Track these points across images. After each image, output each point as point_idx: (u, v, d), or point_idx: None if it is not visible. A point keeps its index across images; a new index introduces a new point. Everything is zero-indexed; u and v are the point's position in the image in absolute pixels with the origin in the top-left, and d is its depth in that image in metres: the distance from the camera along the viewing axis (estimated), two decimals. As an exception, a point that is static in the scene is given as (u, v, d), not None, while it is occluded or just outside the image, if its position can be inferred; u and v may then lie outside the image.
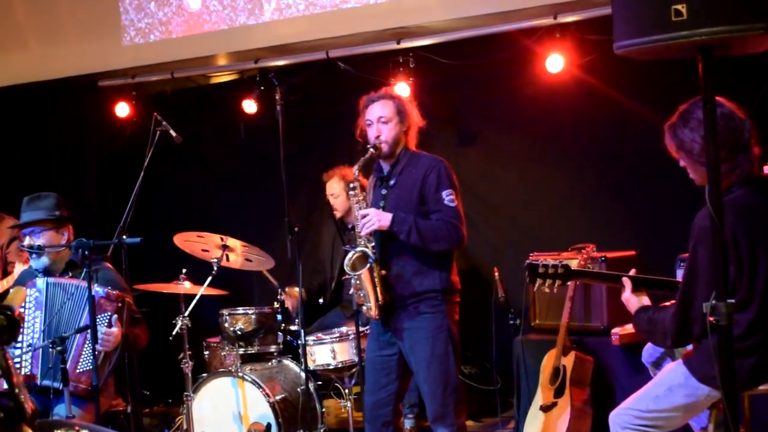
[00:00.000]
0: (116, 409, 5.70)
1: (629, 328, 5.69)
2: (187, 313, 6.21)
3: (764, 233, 4.03)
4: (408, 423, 6.74)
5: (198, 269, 6.55)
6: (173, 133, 6.76)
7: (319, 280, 7.42)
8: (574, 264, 5.18)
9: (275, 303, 6.87)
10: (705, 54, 3.19)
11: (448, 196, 5.08)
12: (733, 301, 3.23)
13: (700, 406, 4.29)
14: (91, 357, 5.13)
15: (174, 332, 6.21)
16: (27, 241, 5.55)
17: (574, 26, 6.92)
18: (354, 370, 6.26)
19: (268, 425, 6.25)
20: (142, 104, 8.42)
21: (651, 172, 7.01)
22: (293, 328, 6.82)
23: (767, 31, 3.04)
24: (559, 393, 5.90)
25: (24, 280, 5.73)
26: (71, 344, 5.22)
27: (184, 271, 6.41)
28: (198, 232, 6.49)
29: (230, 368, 6.49)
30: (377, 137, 5.19)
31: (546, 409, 5.92)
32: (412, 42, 7.39)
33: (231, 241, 6.43)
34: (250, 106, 8.21)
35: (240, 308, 6.74)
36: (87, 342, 5.22)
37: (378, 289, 5.07)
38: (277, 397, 6.31)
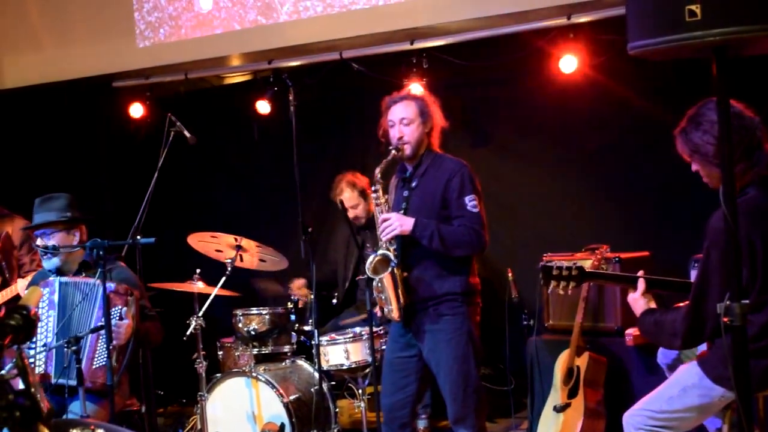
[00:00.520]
0: (131, 409, 5.71)
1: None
2: (201, 314, 6.23)
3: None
4: (421, 423, 6.75)
5: (212, 270, 6.56)
6: (187, 134, 6.78)
7: (328, 277, 7.41)
8: (587, 265, 5.18)
9: (289, 303, 6.87)
10: (719, 54, 3.18)
11: (471, 202, 5.07)
12: (747, 301, 3.22)
13: (714, 407, 4.28)
14: (106, 352, 5.17)
15: (188, 332, 6.22)
16: (39, 242, 5.58)
17: (587, 27, 6.91)
18: (368, 370, 6.26)
19: (282, 425, 6.25)
20: (156, 105, 8.44)
21: (665, 172, 6.99)
22: (307, 328, 6.82)
23: (782, 31, 3.03)
24: (572, 394, 5.89)
25: (37, 280, 5.75)
26: (85, 342, 5.24)
27: (198, 271, 6.43)
28: (212, 232, 6.50)
29: (244, 368, 6.51)
30: (399, 139, 5.17)
31: (560, 409, 5.91)
32: (426, 42, 7.39)
33: (245, 242, 6.44)
34: (263, 106, 8.22)
35: (254, 308, 6.76)
36: (101, 338, 5.24)
37: (399, 292, 5.08)
38: (291, 398, 6.32)
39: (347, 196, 7.02)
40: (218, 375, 6.58)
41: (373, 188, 5.25)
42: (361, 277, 6.93)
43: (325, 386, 6.37)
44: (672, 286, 4.54)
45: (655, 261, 6.30)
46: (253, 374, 6.38)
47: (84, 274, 5.56)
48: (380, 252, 5.10)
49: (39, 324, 5.27)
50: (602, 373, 6.00)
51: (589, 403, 5.84)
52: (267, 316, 6.68)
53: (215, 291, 6.29)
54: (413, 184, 5.24)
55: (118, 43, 8.27)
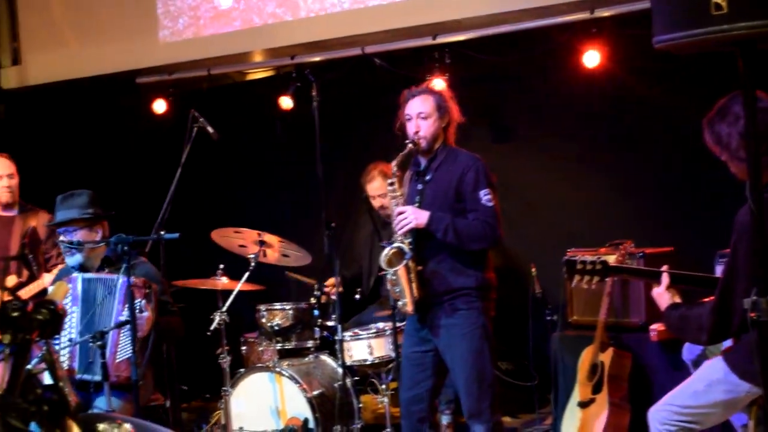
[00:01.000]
0: (155, 404, 5.73)
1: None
2: (224, 309, 6.24)
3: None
4: (445, 419, 6.74)
5: (235, 265, 6.57)
6: (210, 130, 6.79)
7: (352, 272, 7.43)
8: (611, 260, 5.16)
9: (312, 299, 6.87)
10: (745, 48, 3.16)
11: (485, 196, 5.07)
12: (774, 296, 3.20)
13: (740, 403, 4.26)
14: (129, 346, 5.18)
15: (212, 327, 6.23)
16: (62, 238, 5.60)
17: (610, 21, 6.88)
18: (391, 365, 6.26)
19: (305, 420, 6.26)
20: (179, 101, 8.46)
21: (689, 167, 6.97)
22: (330, 323, 6.83)
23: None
24: (597, 389, 5.88)
25: (61, 277, 5.78)
26: (109, 337, 5.25)
27: (221, 266, 6.44)
28: (235, 227, 6.51)
29: (268, 363, 6.52)
30: (416, 132, 5.17)
31: (584, 405, 5.90)
32: (448, 37, 7.37)
33: (268, 237, 6.45)
34: (286, 102, 8.22)
35: (277, 304, 6.76)
36: (123, 331, 5.26)
37: (414, 285, 5.08)
38: (314, 393, 6.32)
39: (376, 185, 7.02)
40: (242, 370, 6.58)
41: (389, 181, 5.26)
42: (383, 272, 6.92)
43: (348, 381, 6.37)
44: (696, 281, 4.52)
45: (680, 256, 6.27)
46: (277, 369, 6.39)
47: (107, 270, 5.58)
48: (395, 244, 5.11)
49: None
50: (626, 369, 5.98)
51: (614, 398, 5.82)
52: (290, 312, 6.68)
53: (239, 286, 6.30)
54: (427, 178, 5.25)
55: (141, 39, 8.31)
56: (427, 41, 7.42)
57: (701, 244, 6.38)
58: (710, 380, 4.24)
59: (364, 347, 6.28)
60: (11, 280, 6.41)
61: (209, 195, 9.01)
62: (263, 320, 6.68)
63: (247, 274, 6.35)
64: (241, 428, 6.44)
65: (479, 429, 5.14)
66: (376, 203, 7.02)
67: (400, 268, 5.07)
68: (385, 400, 6.35)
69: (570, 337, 6.41)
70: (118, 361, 5.26)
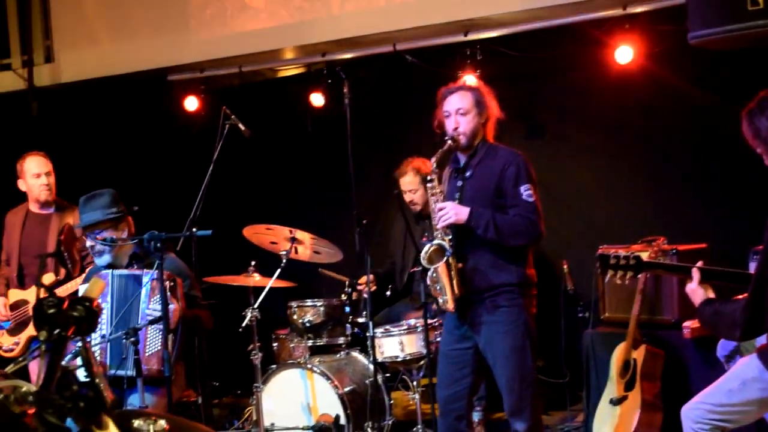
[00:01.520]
0: (187, 400, 5.76)
1: (701, 321, 5.61)
2: (256, 306, 6.25)
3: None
4: (476, 415, 6.71)
5: (267, 262, 6.59)
6: (242, 127, 6.81)
7: (385, 268, 7.44)
8: (644, 257, 5.13)
9: (343, 295, 6.88)
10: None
11: (526, 191, 5.05)
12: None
13: (776, 401, 4.23)
14: (158, 339, 5.23)
15: (243, 324, 6.25)
16: (88, 242, 5.63)
17: (643, 17, 6.85)
18: (422, 362, 6.25)
19: (337, 417, 6.27)
20: (211, 98, 8.49)
21: (723, 163, 6.93)
22: (361, 320, 6.84)
23: None
24: (629, 386, 5.85)
25: (92, 274, 5.80)
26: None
27: (253, 263, 6.46)
28: (267, 224, 6.53)
29: (299, 360, 6.54)
30: (455, 129, 5.15)
31: (616, 402, 5.88)
32: (480, 34, 7.36)
33: (300, 234, 6.45)
34: (317, 99, 8.24)
35: (308, 300, 6.78)
36: (151, 327, 5.28)
37: (454, 282, 5.05)
38: (346, 389, 6.33)
39: (408, 180, 7.02)
40: (273, 366, 6.61)
41: (428, 177, 5.24)
42: (416, 268, 6.93)
43: (379, 378, 6.38)
44: (729, 277, 4.48)
45: (713, 253, 6.23)
46: (308, 366, 6.41)
47: (135, 266, 5.60)
48: (435, 241, 5.09)
49: (95, 316, 5.32)
50: (659, 366, 5.95)
51: (646, 396, 5.79)
52: (322, 308, 6.70)
53: (270, 283, 6.31)
54: (467, 174, 5.22)
55: (173, 36, 8.34)
56: (459, 38, 7.41)
57: (735, 241, 6.34)
58: (745, 378, 4.21)
59: (395, 344, 6.28)
60: (49, 278, 6.45)
61: (241, 192, 9.03)
62: (294, 317, 6.70)
63: (278, 271, 6.36)
64: (272, 424, 6.45)
65: (520, 427, 5.11)
66: (407, 198, 7.02)
67: (441, 265, 5.05)
68: (416, 396, 6.35)
69: (602, 334, 6.38)
70: (147, 354, 5.28)
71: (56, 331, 2.29)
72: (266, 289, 6.31)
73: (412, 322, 6.40)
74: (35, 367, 6.00)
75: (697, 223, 7.10)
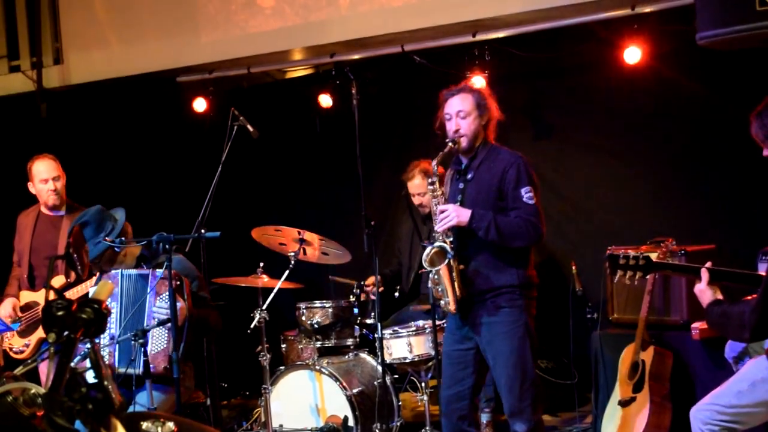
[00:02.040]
0: (196, 401, 5.76)
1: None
2: (264, 307, 6.25)
3: None
4: (485, 417, 6.73)
5: (275, 263, 6.59)
6: (250, 128, 6.81)
7: (392, 269, 7.44)
8: (653, 257, 5.12)
9: (351, 297, 6.89)
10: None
11: (527, 194, 5.05)
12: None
13: (785, 402, 4.22)
14: (163, 338, 5.25)
15: (252, 325, 6.25)
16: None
17: (651, 17, 6.84)
18: (430, 363, 6.25)
19: (345, 418, 6.27)
20: (219, 99, 8.50)
21: (731, 164, 6.92)
22: (369, 321, 6.84)
23: None
24: (638, 388, 5.85)
25: (101, 276, 5.79)
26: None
27: (261, 264, 6.46)
28: (275, 226, 6.53)
29: (307, 361, 6.54)
30: (456, 131, 5.16)
31: (624, 404, 5.87)
32: (488, 34, 7.36)
33: (308, 235, 6.45)
34: (325, 100, 8.25)
35: (317, 302, 6.78)
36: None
37: (456, 284, 5.06)
38: (354, 391, 6.33)
39: (417, 183, 7.02)
40: (282, 368, 6.61)
41: (429, 180, 5.25)
42: (424, 270, 6.93)
43: (388, 379, 6.38)
44: (737, 278, 4.47)
45: (722, 254, 6.22)
46: (317, 367, 6.41)
47: (143, 267, 5.61)
48: (437, 244, 5.10)
49: (104, 317, 5.32)
50: (668, 368, 5.94)
51: (655, 397, 5.78)
52: (330, 310, 6.70)
53: (279, 284, 6.31)
54: (469, 176, 5.22)
55: (182, 38, 8.35)
56: (467, 39, 7.41)
57: (743, 242, 6.34)
58: (754, 380, 4.20)
59: (403, 345, 6.28)
60: (59, 281, 6.46)
61: (249, 193, 9.05)
62: (303, 318, 6.70)
63: (287, 272, 6.36)
64: (280, 426, 6.46)
65: (520, 427, 5.11)
66: (416, 201, 7.03)
67: (442, 267, 5.06)
68: (425, 398, 6.35)
69: (610, 335, 6.37)
70: (153, 353, 5.28)
71: (65, 334, 2.30)
72: (275, 291, 6.32)
73: (421, 323, 6.40)
74: (45, 369, 6.05)
75: (705, 225, 7.09)
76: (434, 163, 5.17)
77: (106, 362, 5.31)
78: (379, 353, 6.27)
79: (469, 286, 5.10)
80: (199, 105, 8.63)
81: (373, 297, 6.82)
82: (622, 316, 6.40)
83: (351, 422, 6.27)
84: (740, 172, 6.82)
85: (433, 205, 5.21)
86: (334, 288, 7.79)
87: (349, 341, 6.79)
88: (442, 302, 5.16)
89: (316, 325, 6.64)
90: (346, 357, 6.72)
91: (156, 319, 5.29)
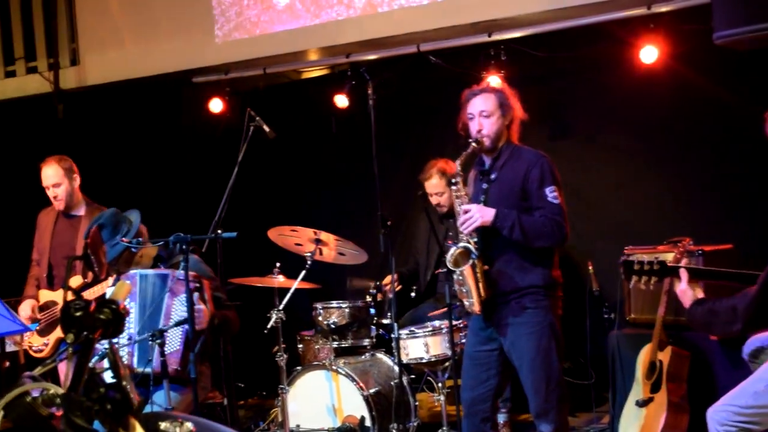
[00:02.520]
0: (213, 401, 5.77)
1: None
2: (281, 307, 6.26)
3: None
4: (501, 417, 6.71)
5: (291, 263, 6.60)
6: (266, 128, 6.82)
7: (409, 269, 7.44)
8: (669, 258, 5.11)
9: (368, 297, 6.89)
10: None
11: (551, 193, 5.03)
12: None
13: (802, 403, 4.20)
14: (178, 339, 5.25)
15: (268, 326, 6.26)
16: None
17: (668, 16, 6.83)
18: (447, 364, 6.24)
19: (362, 418, 6.27)
20: (235, 100, 8.52)
21: (749, 163, 6.89)
22: (386, 321, 6.84)
23: None
24: (655, 388, 5.83)
25: (119, 277, 5.80)
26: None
27: (277, 265, 6.47)
28: (292, 226, 6.53)
29: (324, 361, 6.54)
30: (479, 131, 5.13)
31: (642, 404, 5.85)
32: (504, 34, 7.36)
33: (324, 235, 6.45)
34: (341, 100, 8.25)
35: (334, 302, 6.78)
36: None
37: (480, 285, 5.03)
38: (371, 391, 6.33)
39: (434, 182, 7.01)
40: (298, 368, 6.61)
41: (453, 180, 5.21)
42: (440, 270, 6.93)
43: (404, 380, 6.37)
44: (719, 276, 4.48)
45: (739, 253, 6.20)
46: (333, 367, 6.41)
47: (161, 267, 5.61)
48: (461, 244, 5.08)
49: (123, 317, 5.32)
50: (685, 368, 5.92)
51: (673, 397, 5.77)
52: (347, 310, 6.70)
53: (295, 284, 6.32)
54: (492, 177, 5.19)
55: (198, 39, 8.37)
56: (483, 38, 7.40)
57: (761, 242, 6.31)
58: (771, 380, 4.19)
59: (420, 345, 6.27)
60: (76, 281, 6.48)
61: (266, 193, 9.05)
62: (320, 318, 6.70)
63: (303, 273, 6.37)
64: (297, 426, 6.47)
65: (546, 428, 5.09)
66: (433, 200, 7.02)
67: (467, 268, 5.04)
68: (442, 398, 6.34)
69: (628, 335, 6.35)
70: (167, 353, 5.27)
71: (83, 334, 2.30)
72: (291, 291, 6.32)
73: (437, 323, 6.40)
74: (65, 369, 6.07)
75: (723, 224, 7.07)
76: (457, 163, 5.14)
77: (126, 362, 5.33)
78: (395, 353, 6.27)
79: (494, 287, 5.07)
80: (216, 106, 8.64)
81: (390, 296, 6.81)
82: (640, 316, 6.38)
83: (368, 422, 6.27)
84: (758, 171, 6.79)
85: (457, 205, 5.18)
86: (351, 289, 7.78)
87: (366, 341, 6.79)
88: (467, 303, 5.13)
89: (332, 326, 6.64)
90: (363, 357, 6.72)
91: (173, 320, 5.29)
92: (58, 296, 6.64)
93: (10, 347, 6.64)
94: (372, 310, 6.81)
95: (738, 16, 3.06)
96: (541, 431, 5.13)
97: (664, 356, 5.83)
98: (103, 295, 6.16)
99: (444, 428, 6.23)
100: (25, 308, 6.56)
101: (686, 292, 4.29)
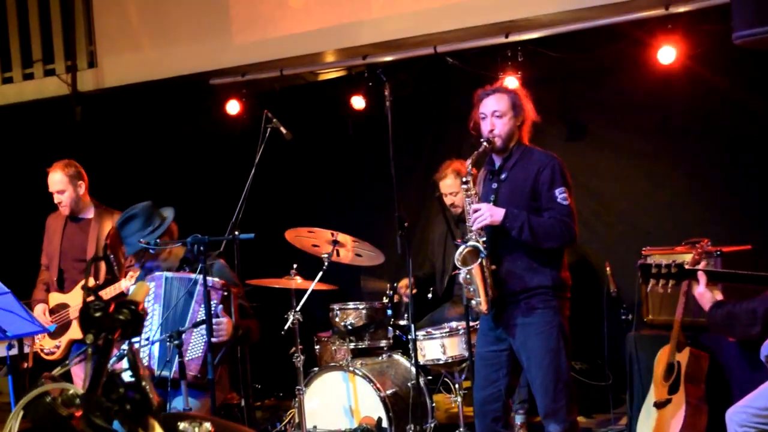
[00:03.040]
0: (230, 402, 5.77)
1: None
2: (298, 308, 6.27)
3: None
4: (518, 419, 6.71)
5: (309, 264, 6.60)
6: (283, 130, 6.82)
7: (426, 272, 7.43)
8: (687, 259, 5.09)
9: (385, 298, 6.88)
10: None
11: (561, 194, 5.03)
12: None
13: (822, 405, 4.19)
14: (200, 346, 5.22)
15: (285, 327, 6.27)
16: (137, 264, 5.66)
17: (686, 17, 6.81)
18: (464, 365, 6.25)
19: (379, 419, 6.27)
20: (252, 102, 8.53)
21: (766, 164, 6.86)
22: (403, 323, 6.84)
23: None
24: (673, 389, 5.80)
25: (143, 276, 5.80)
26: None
27: (294, 266, 6.47)
28: (308, 227, 6.54)
29: (341, 363, 6.55)
30: (491, 131, 5.13)
31: (660, 405, 5.83)
32: (521, 35, 7.35)
33: (341, 237, 6.46)
34: (358, 102, 8.26)
35: (350, 303, 6.79)
36: (196, 332, 5.28)
37: (488, 284, 5.04)
38: (388, 392, 6.33)
39: (448, 182, 7.00)
40: (315, 369, 6.62)
41: (463, 179, 5.22)
42: (457, 271, 6.92)
43: (421, 381, 6.37)
44: (736, 278, 4.46)
45: (758, 254, 6.17)
46: (350, 368, 6.42)
47: (187, 270, 5.61)
48: (470, 243, 5.08)
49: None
50: (703, 369, 5.90)
51: (691, 399, 5.74)
52: (364, 311, 6.71)
53: (312, 286, 6.32)
54: (502, 177, 5.20)
55: (215, 41, 8.39)
56: (500, 39, 7.40)
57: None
58: (791, 382, 4.18)
59: (437, 346, 6.28)
60: (91, 282, 6.51)
61: (283, 195, 9.06)
62: (337, 319, 6.71)
63: (320, 274, 6.37)
64: (314, 427, 6.47)
65: (554, 428, 5.09)
66: (447, 200, 7.01)
67: (475, 267, 5.04)
68: (458, 399, 6.35)
69: (645, 336, 6.33)
70: (188, 359, 5.26)
71: (103, 335, 2.31)
72: (308, 292, 6.32)
73: (454, 324, 6.40)
74: (78, 371, 6.08)
75: (741, 225, 7.04)
76: (468, 162, 5.15)
77: (145, 364, 5.33)
78: (412, 354, 6.27)
79: (502, 287, 5.08)
80: (232, 107, 8.66)
81: (406, 299, 6.81)
82: (657, 317, 6.35)
83: (385, 423, 6.27)
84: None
85: (467, 204, 5.18)
86: (365, 291, 7.78)
87: (383, 342, 6.80)
88: (474, 302, 5.13)
89: (349, 327, 6.65)
90: (380, 358, 6.72)
91: (189, 321, 5.28)
92: (68, 299, 6.66)
93: (14, 350, 6.66)
94: (389, 312, 6.81)
95: (758, 16, 3.04)
96: (550, 431, 5.13)
97: (682, 357, 5.81)
98: (120, 294, 6.19)
99: (461, 429, 6.24)
100: (37, 312, 6.58)
101: (704, 294, 4.29)
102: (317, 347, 7.10)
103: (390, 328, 6.81)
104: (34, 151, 8.86)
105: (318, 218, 7.46)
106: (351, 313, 6.70)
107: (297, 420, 6.42)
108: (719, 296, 4.28)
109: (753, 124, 6.91)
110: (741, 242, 6.31)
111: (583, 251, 7.58)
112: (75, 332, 6.59)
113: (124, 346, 2.28)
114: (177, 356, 5.07)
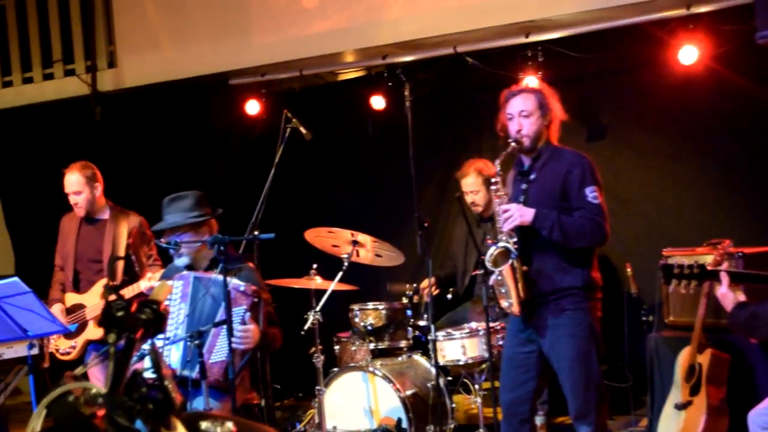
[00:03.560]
0: (251, 403, 5.77)
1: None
2: (318, 309, 6.27)
3: None
4: (539, 419, 6.68)
5: (328, 265, 6.60)
6: (303, 130, 6.83)
7: (446, 272, 7.42)
8: (709, 260, 5.06)
9: (405, 299, 6.88)
10: None
11: (591, 193, 4.99)
12: None
13: None
14: (225, 349, 5.16)
15: (305, 327, 6.27)
16: (162, 240, 5.59)
17: (707, 17, 6.78)
18: (484, 366, 6.23)
19: (399, 420, 6.27)
20: (272, 102, 8.53)
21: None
22: (423, 323, 6.83)
23: None
24: (694, 391, 5.77)
25: (170, 274, 5.77)
26: (206, 337, 5.23)
27: (314, 266, 6.47)
28: (328, 227, 6.54)
29: (361, 363, 6.55)
30: (518, 131, 5.10)
31: (681, 407, 5.80)
32: (541, 36, 7.33)
33: (361, 237, 6.46)
34: (378, 102, 8.26)
35: (370, 303, 6.78)
36: (221, 334, 5.25)
37: (519, 285, 5.00)
38: (408, 393, 6.33)
39: (470, 180, 6.99)
40: (335, 369, 6.62)
41: (492, 180, 5.19)
42: (477, 271, 6.91)
43: (441, 382, 6.36)
44: (759, 279, 4.43)
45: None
46: (370, 369, 6.41)
47: (216, 271, 5.57)
48: (501, 244, 5.04)
49: (170, 317, 5.31)
50: (725, 371, 5.86)
51: (712, 401, 5.71)
52: (383, 312, 6.70)
53: (332, 286, 6.32)
54: (532, 177, 5.16)
55: (235, 41, 8.40)
56: (520, 39, 7.38)
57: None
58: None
59: (457, 347, 6.27)
60: (101, 285, 6.54)
61: (302, 195, 9.07)
62: (356, 320, 6.71)
63: (340, 274, 6.38)
64: (334, 427, 6.47)
65: (585, 430, 5.06)
66: (468, 199, 6.99)
67: (506, 268, 5.01)
68: (478, 400, 6.34)
69: (666, 338, 6.31)
70: (211, 362, 5.22)
71: (125, 334, 2.31)
72: (328, 292, 6.33)
73: (474, 325, 6.38)
74: (95, 372, 6.08)
75: (763, 226, 7.00)
76: (497, 163, 5.11)
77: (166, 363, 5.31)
78: (432, 355, 6.26)
79: (533, 288, 5.04)
80: (252, 108, 8.66)
81: (427, 299, 6.80)
82: (678, 318, 6.33)
83: (404, 424, 6.26)
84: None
85: (496, 205, 5.15)
86: (389, 293, 7.77)
87: (403, 343, 6.78)
88: (505, 304, 5.09)
89: (369, 327, 6.64)
90: (400, 359, 6.71)
91: (223, 333, 5.23)
92: (84, 299, 6.68)
93: (35, 350, 6.67)
94: (408, 312, 6.80)
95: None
96: (580, 433, 5.11)
97: (704, 359, 5.78)
98: (140, 293, 6.19)
99: (481, 430, 6.23)
100: (55, 311, 6.59)
101: (727, 295, 4.27)
102: (337, 348, 7.09)
103: (410, 328, 6.80)
104: (55, 151, 8.88)
105: (338, 218, 7.46)
106: (371, 314, 6.70)
107: (317, 420, 6.43)
108: (742, 297, 4.26)
109: (775, 123, 6.88)
110: (763, 243, 6.28)
111: (604, 252, 7.53)
112: (91, 333, 6.60)
113: (146, 346, 2.29)
114: (197, 356, 5.04)
